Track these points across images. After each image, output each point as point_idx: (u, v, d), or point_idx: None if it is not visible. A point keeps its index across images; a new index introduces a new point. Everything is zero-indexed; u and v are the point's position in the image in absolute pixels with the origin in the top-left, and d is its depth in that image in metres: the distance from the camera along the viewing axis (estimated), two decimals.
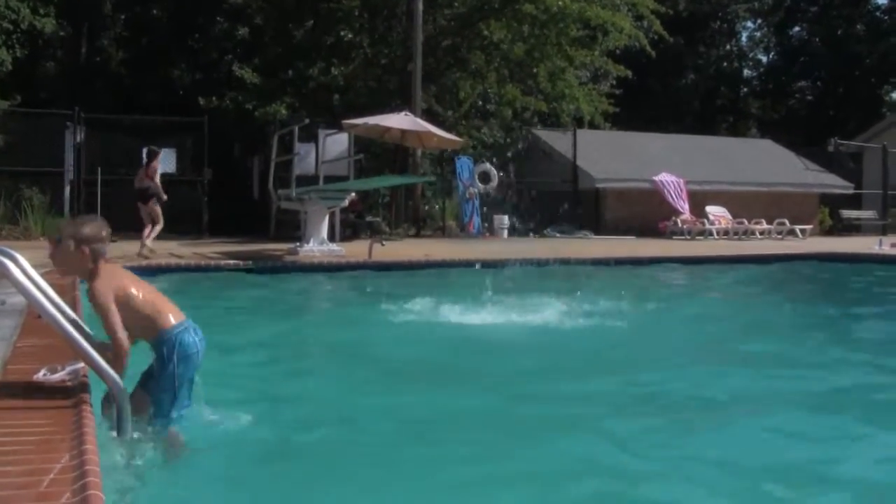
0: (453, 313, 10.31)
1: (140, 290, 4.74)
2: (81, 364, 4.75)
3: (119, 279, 4.73)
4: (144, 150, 18.25)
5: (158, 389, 4.66)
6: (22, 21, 26.04)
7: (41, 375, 4.78)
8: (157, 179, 17.21)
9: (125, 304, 4.60)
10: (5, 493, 3.13)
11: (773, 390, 7.03)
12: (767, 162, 33.01)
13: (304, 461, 5.06)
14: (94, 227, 4.80)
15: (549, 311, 10.36)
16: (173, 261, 14.94)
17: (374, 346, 8.80)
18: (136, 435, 4.40)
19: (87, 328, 4.73)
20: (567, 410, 6.22)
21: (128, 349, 4.50)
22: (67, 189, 23.80)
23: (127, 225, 22.77)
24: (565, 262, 16.85)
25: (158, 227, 16.82)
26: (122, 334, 4.48)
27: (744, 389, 7.05)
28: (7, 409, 4.20)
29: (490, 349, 8.78)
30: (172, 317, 4.76)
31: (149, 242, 16.17)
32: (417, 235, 25.48)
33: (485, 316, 10.13)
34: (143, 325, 4.65)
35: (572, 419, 5.99)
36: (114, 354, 4.44)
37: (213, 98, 26.10)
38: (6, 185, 22.71)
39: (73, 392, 4.51)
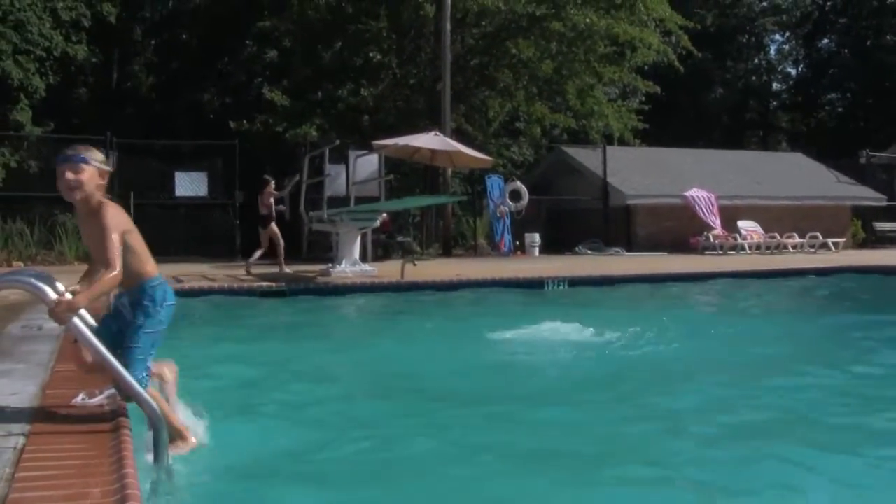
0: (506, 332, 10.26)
1: (138, 235, 4.77)
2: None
3: (126, 217, 4.78)
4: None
5: (139, 336, 4.61)
6: (55, 48, 26.32)
7: (79, 400, 4.80)
8: (271, 202, 18.36)
9: (126, 241, 4.63)
10: None
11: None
12: (798, 175, 32.80)
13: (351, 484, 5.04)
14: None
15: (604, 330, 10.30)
16: (206, 283, 14.99)
17: (415, 366, 8.80)
18: (172, 461, 4.40)
19: None
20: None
21: (121, 278, 4.46)
22: None
23: (158, 249, 22.94)
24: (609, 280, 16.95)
25: (281, 246, 18.32)
26: (120, 261, 4.47)
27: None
28: (46, 434, 4.21)
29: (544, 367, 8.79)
30: (155, 269, 4.81)
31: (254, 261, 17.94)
32: (448, 255, 25.45)
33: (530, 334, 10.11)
34: (132, 270, 4.62)
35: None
36: (107, 275, 4.40)
37: (244, 121, 26.24)
38: (40, 210, 22.89)
39: (111, 417, 4.52)
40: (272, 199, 18.38)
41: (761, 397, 7.31)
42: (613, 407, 6.92)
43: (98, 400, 4.79)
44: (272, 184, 18.51)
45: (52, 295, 4.29)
